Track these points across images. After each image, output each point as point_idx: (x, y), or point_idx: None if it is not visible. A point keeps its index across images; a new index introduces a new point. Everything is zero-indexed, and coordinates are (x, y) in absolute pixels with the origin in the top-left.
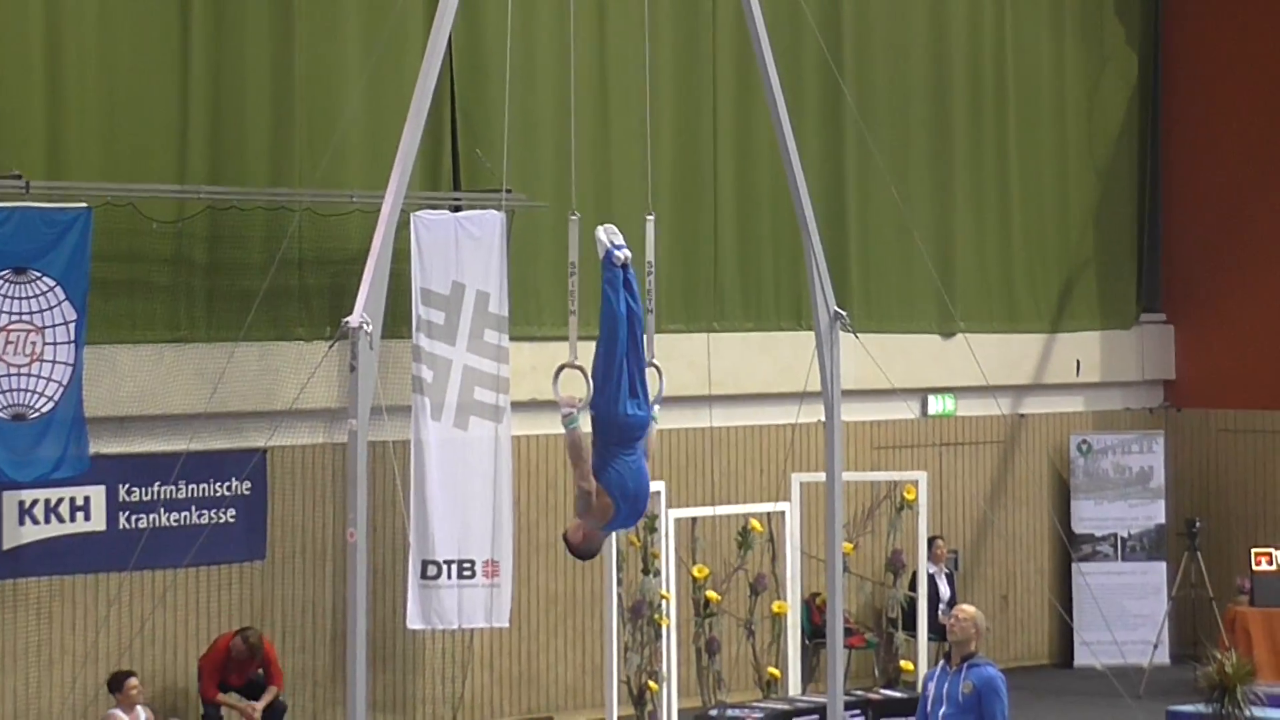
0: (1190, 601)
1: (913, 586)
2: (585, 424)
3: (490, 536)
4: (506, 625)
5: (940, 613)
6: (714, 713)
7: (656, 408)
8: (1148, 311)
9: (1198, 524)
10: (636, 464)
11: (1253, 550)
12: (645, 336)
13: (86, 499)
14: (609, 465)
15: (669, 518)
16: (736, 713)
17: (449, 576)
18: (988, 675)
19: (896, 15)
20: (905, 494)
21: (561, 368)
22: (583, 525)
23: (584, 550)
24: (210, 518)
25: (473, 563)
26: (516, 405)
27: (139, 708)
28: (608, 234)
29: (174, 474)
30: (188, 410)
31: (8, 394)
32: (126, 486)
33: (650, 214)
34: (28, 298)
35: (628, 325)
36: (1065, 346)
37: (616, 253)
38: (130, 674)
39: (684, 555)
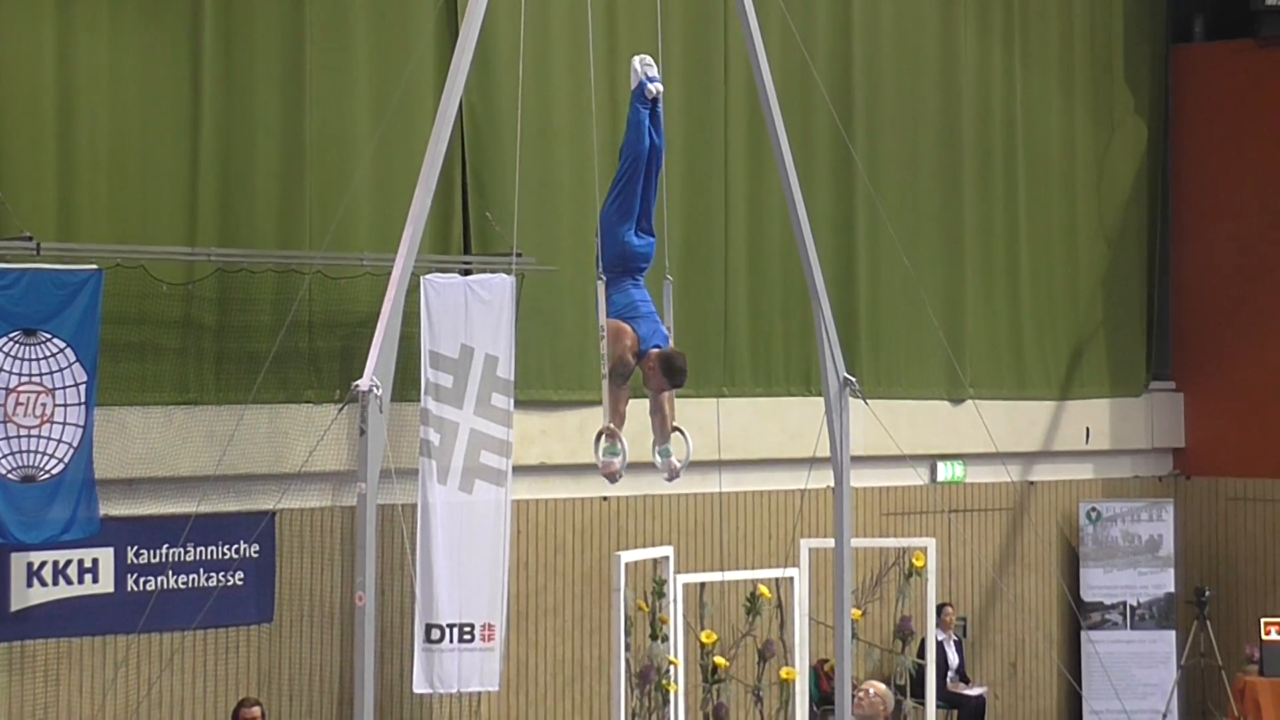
0: (1199, 671)
1: (921, 654)
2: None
3: (489, 600)
4: (496, 689)
5: (949, 680)
6: None
7: (679, 469)
8: (1157, 379)
9: (1207, 593)
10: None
11: (1262, 620)
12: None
13: (95, 561)
14: (614, 300)
15: (677, 583)
16: None
17: (450, 640)
18: None
19: (906, 82)
20: (914, 561)
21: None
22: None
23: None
24: (218, 580)
25: (473, 626)
26: (527, 469)
27: None
28: (642, 65)
29: (182, 536)
30: (196, 472)
31: (17, 455)
32: (135, 548)
33: (668, 278)
34: (38, 359)
35: (648, 161)
36: (1074, 414)
37: (650, 85)
38: None
39: (692, 621)
